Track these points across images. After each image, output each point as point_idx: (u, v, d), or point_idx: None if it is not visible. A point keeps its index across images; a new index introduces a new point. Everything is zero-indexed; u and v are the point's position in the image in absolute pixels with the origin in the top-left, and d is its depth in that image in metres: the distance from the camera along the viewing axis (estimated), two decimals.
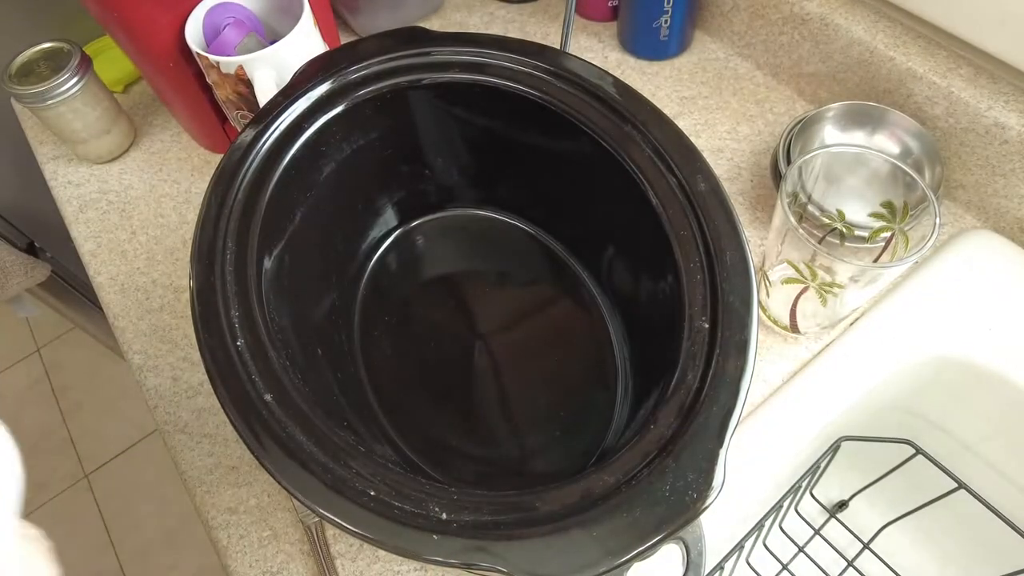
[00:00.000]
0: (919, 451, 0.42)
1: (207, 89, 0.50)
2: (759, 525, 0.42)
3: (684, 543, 0.26)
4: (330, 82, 0.36)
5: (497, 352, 0.41)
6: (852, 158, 0.40)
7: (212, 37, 0.47)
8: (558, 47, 0.40)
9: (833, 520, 0.50)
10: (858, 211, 0.41)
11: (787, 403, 0.42)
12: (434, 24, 0.64)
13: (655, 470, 0.26)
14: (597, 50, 0.61)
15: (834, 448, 0.44)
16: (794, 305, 0.41)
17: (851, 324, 0.44)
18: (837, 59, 0.51)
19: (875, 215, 0.40)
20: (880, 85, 0.49)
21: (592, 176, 0.37)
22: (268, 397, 0.27)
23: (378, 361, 0.40)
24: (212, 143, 0.56)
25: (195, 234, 0.31)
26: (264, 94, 0.44)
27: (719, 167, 0.53)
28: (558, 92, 0.36)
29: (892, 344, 0.43)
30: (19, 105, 0.60)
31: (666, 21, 0.56)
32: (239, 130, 0.41)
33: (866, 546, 0.48)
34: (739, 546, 0.40)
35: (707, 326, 0.29)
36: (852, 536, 0.49)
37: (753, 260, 0.31)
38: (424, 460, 0.37)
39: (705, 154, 0.34)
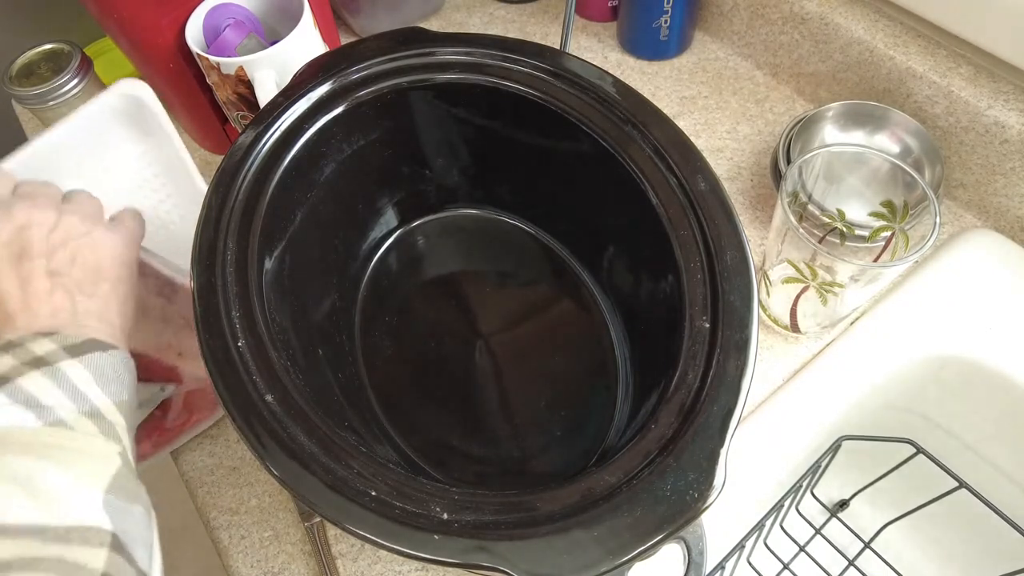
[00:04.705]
0: (920, 450, 0.42)
1: (207, 90, 0.50)
2: (760, 524, 0.42)
3: (685, 543, 0.26)
4: (330, 83, 0.36)
5: (498, 352, 0.41)
6: (852, 157, 0.40)
7: (212, 38, 0.47)
8: (558, 47, 0.40)
9: (834, 519, 0.50)
10: (858, 210, 0.41)
11: (788, 402, 0.42)
12: (434, 24, 0.64)
13: (656, 470, 0.26)
14: (597, 50, 0.61)
15: (835, 447, 0.44)
16: (794, 304, 0.41)
17: (851, 323, 0.44)
18: (837, 58, 0.51)
19: (875, 214, 0.40)
20: (880, 84, 0.49)
21: (592, 176, 0.37)
22: (269, 397, 0.27)
23: (379, 361, 0.40)
24: (213, 144, 0.56)
25: (196, 235, 0.31)
26: (264, 95, 0.44)
27: (719, 167, 0.53)
28: (558, 92, 0.36)
29: (892, 343, 0.43)
30: (20, 106, 0.60)
31: (666, 21, 0.56)
32: (239, 131, 0.41)
33: (867, 545, 0.48)
34: (740, 545, 0.40)
35: (707, 325, 0.29)
36: (853, 535, 0.49)
37: (753, 259, 0.31)
38: (425, 460, 0.37)
39: (705, 154, 0.34)
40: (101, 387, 0.26)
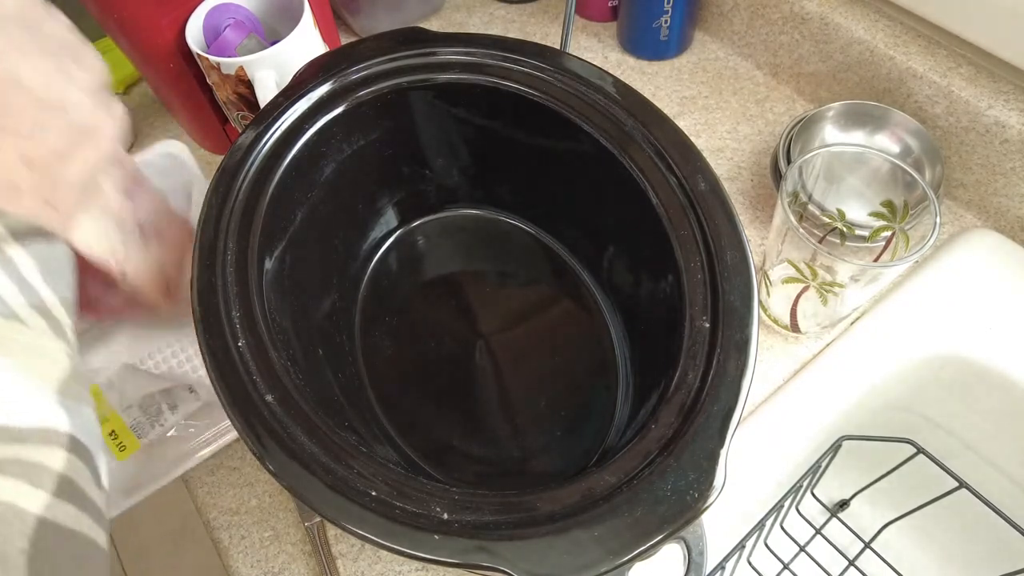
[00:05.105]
0: (920, 450, 0.42)
1: (208, 90, 0.50)
2: (760, 524, 0.42)
3: (685, 543, 0.26)
4: (330, 83, 0.36)
5: (498, 352, 0.41)
6: (852, 157, 0.40)
7: (212, 38, 0.47)
8: (558, 47, 0.40)
9: (834, 519, 0.50)
10: (858, 210, 0.41)
11: (788, 402, 0.42)
12: (434, 24, 0.64)
13: (656, 470, 0.26)
14: (597, 50, 0.61)
15: (835, 447, 0.44)
16: (795, 304, 0.41)
17: (852, 323, 0.44)
18: (837, 58, 0.51)
19: (875, 214, 0.40)
20: (880, 84, 0.49)
21: (592, 176, 0.37)
22: (269, 398, 0.27)
23: (379, 361, 0.40)
24: (213, 144, 0.56)
25: (196, 235, 0.31)
26: (264, 95, 0.44)
27: (719, 167, 0.53)
28: (558, 92, 0.36)
29: (893, 343, 0.43)
30: None
31: (666, 21, 0.56)
32: (239, 131, 0.41)
33: (867, 545, 0.48)
34: (740, 545, 0.40)
35: (708, 325, 0.29)
36: (853, 535, 0.49)
37: (753, 259, 0.31)
38: (425, 460, 0.37)
39: (705, 154, 0.34)
40: (46, 280, 0.23)
